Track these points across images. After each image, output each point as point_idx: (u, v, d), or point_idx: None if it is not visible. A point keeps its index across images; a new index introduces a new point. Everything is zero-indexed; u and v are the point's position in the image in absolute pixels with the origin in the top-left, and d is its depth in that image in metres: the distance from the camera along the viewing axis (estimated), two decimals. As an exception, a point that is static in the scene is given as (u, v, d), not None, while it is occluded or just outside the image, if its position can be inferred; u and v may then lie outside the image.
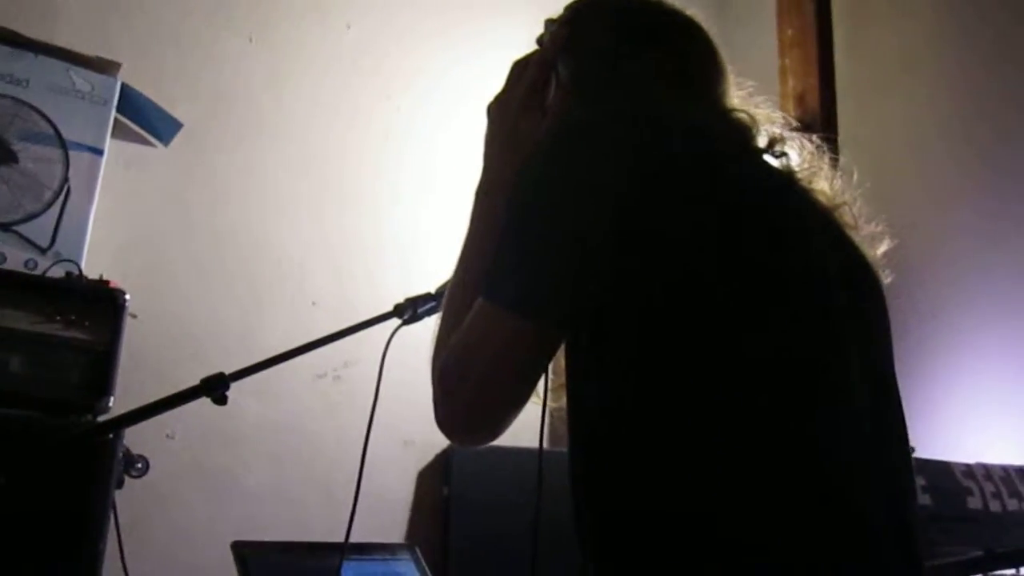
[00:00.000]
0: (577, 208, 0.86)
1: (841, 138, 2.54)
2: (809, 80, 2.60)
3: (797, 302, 0.88)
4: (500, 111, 1.08)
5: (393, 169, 2.33)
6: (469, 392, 0.89)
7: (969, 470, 1.45)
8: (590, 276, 0.85)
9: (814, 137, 1.06)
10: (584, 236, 0.85)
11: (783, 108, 2.62)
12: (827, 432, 0.85)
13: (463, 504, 2.10)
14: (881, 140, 2.52)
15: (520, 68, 1.09)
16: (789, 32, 2.67)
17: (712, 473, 0.80)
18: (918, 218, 2.26)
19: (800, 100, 2.60)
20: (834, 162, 1.07)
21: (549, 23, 1.11)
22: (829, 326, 0.90)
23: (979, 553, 1.39)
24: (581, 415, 0.91)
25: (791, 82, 2.63)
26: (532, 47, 1.12)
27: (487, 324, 0.88)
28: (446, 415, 0.92)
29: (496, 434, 0.93)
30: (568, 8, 1.12)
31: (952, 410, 2.12)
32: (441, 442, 2.20)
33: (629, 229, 0.84)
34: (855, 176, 1.08)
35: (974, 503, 1.40)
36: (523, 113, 1.06)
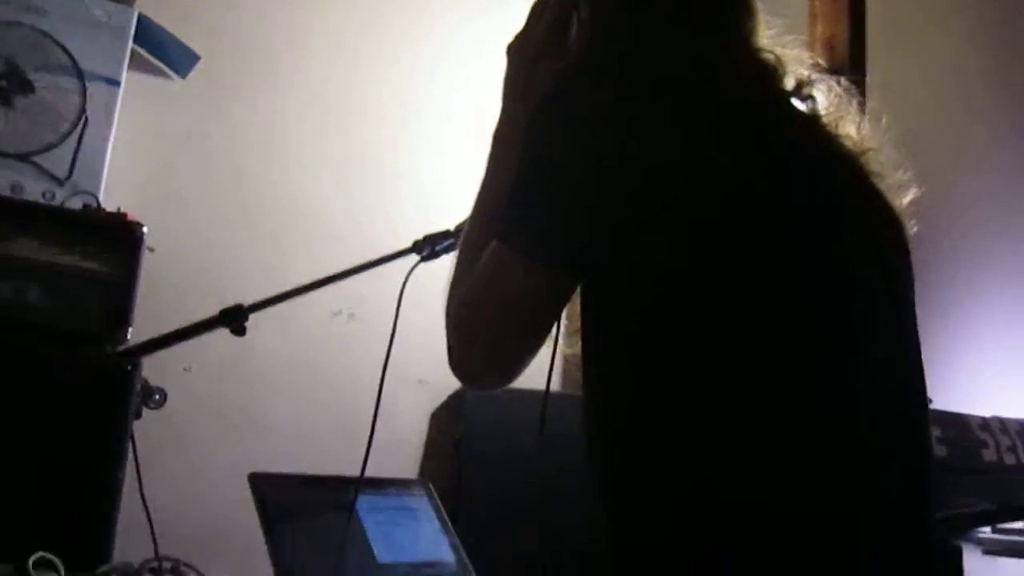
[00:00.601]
0: (589, 154, 0.84)
1: (869, 85, 2.48)
2: (838, 25, 2.53)
3: (815, 253, 0.86)
4: (519, 52, 1.06)
5: (414, 103, 2.31)
6: (482, 335, 0.89)
7: (985, 423, 1.44)
8: (603, 223, 0.84)
9: (843, 80, 1.03)
10: (597, 183, 0.83)
11: (811, 53, 2.56)
12: (844, 391, 0.83)
13: (475, 445, 2.12)
14: (912, 89, 2.46)
15: (540, 7, 1.06)
16: (818, -26, 2.60)
17: (726, 432, 0.80)
18: (944, 168, 2.22)
19: (829, 46, 2.54)
20: (862, 106, 1.04)
21: None
22: (849, 279, 0.88)
23: (992, 506, 1.40)
24: (594, 363, 0.90)
25: (820, 27, 2.56)
26: None
27: (500, 267, 0.87)
28: (459, 358, 0.91)
29: (510, 378, 0.92)
30: None
31: (970, 363, 2.10)
32: (454, 383, 2.19)
33: (641, 179, 0.82)
34: (883, 121, 1.05)
35: (989, 456, 1.40)
36: (543, 54, 1.03)
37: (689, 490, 0.80)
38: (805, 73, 1.00)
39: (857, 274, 0.89)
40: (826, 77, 1.02)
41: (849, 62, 2.51)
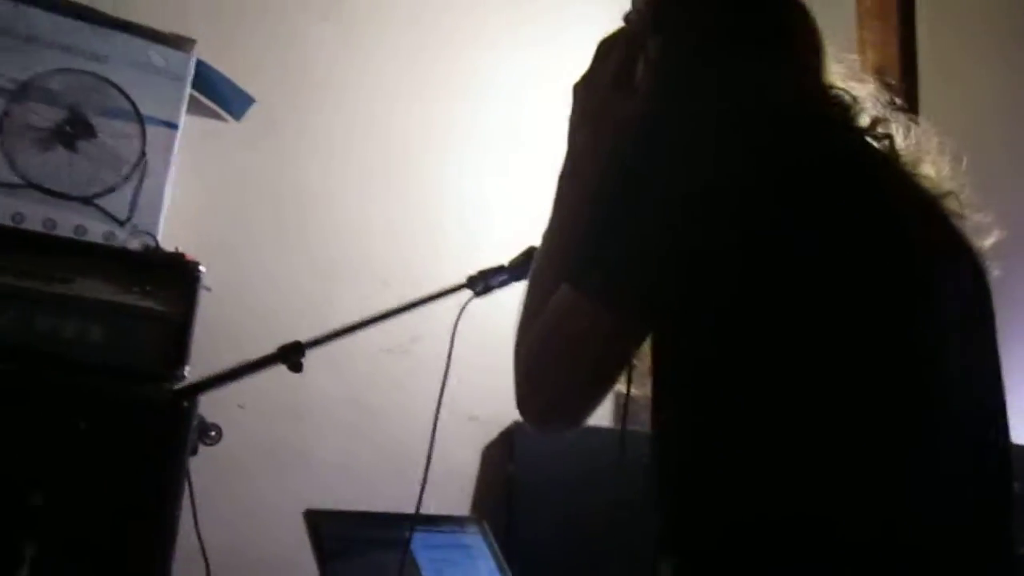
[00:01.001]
0: (669, 202, 0.83)
1: (923, 115, 2.44)
2: (889, 52, 2.50)
3: (892, 299, 0.84)
4: (587, 91, 1.05)
5: (460, 143, 2.33)
6: (551, 381, 0.89)
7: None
8: (678, 271, 0.83)
9: (920, 119, 1.02)
10: (675, 231, 0.83)
11: (859, 73, 2.53)
12: (915, 434, 0.82)
13: (527, 481, 2.10)
14: (966, 117, 2.42)
15: (607, 47, 1.06)
16: (868, 1, 2.58)
17: (800, 478, 0.78)
18: (1008, 200, 2.16)
19: (880, 74, 2.51)
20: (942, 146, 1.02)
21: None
22: (926, 324, 0.86)
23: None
24: (667, 403, 0.89)
25: (870, 55, 2.54)
26: (617, 24, 1.08)
27: (571, 312, 0.86)
28: (529, 403, 0.91)
29: (578, 422, 0.91)
30: None
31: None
32: (506, 418, 2.20)
33: (720, 227, 0.81)
34: (964, 162, 1.03)
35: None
36: (612, 93, 1.03)
37: (757, 528, 0.79)
38: (880, 112, 0.98)
39: (935, 318, 0.87)
40: (904, 115, 1.00)
41: (901, 90, 2.47)
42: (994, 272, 0.98)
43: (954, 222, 0.96)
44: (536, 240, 1.23)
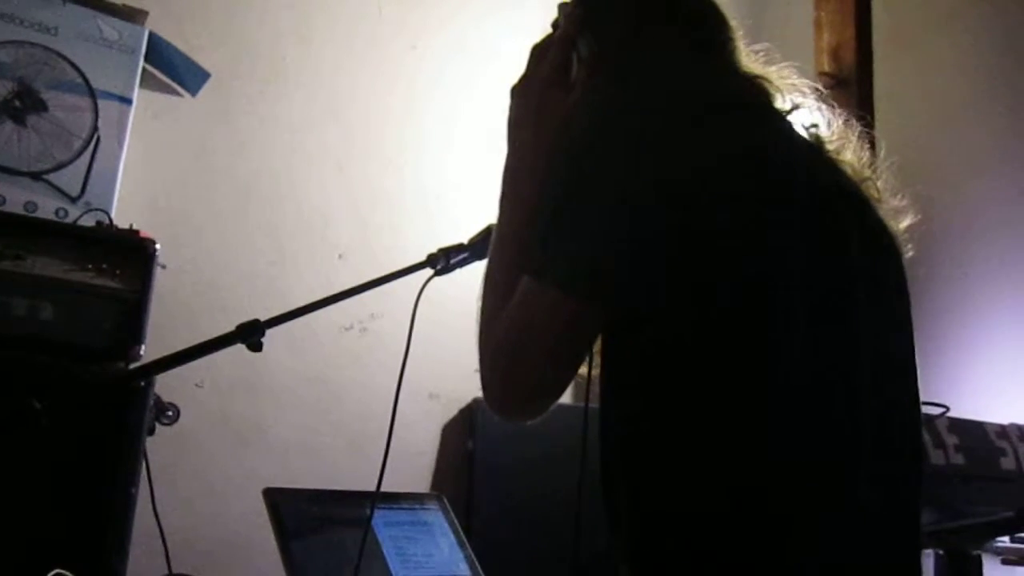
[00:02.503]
0: (624, 189, 0.85)
1: (876, 94, 2.48)
2: (845, 33, 2.53)
3: (830, 290, 0.89)
4: (524, 91, 1.09)
5: (418, 120, 2.32)
6: (520, 371, 0.90)
7: (1003, 431, 1.43)
8: (637, 257, 0.85)
9: (837, 109, 1.05)
10: (631, 218, 0.85)
11: (817, 62, 2.56)
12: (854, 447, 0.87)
13: (487, 458, 2.12)
14: (918, 96, 2.46)
15: (541, 50, 1.10)
16: (824, -18, 2.60)
17: (720, 472, 0.83)
18: (952, 175, 2.22)
19: (835, 54, 2.54)
20: (866, 125, 1.06)
21: (563, 6, 1.11)
22: (848, 308, 0.90)
23: (1010, 514, 1.39)
24: (613, 394, 0.92)
25: (826, 35, 2.56)
26: (546, 30, 1.13)
27: (538, 305, 0.88)
28: (498, 396, 0.93)
29: (544, 410, 0.94)
30: None
31: (986, 370, 2.09)
32: (466, 396, 2.21)
33: (660, 214, 0.84)
34: (883, 149, 1.07)
35: (1007, 464, 1.39)
36: (548, 92, 1.06)
37: (691, 533, 0.83)
38: (802, 99, 1.02)
39: (856, 300, 0.91)
40: (827, 106, 1.04)
41: (856, 70, 2.51)
42: (909, 253, 1.02)
43: (876, 208, 1.01)
44: (495, 218, 1.25)
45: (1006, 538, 1.64)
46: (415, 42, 2.34)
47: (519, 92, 1.09)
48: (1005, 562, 1.69)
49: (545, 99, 1.06)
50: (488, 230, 1.25)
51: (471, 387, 2.18)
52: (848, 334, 0.89)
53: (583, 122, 0.92)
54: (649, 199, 0.84)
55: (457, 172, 2.32)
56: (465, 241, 1.29)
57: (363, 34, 2.28)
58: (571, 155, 0.91)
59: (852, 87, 2.45)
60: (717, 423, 0.83)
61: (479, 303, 0.99)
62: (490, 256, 1.03)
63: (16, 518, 1.28)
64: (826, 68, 2.52)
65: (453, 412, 2.23)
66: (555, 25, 1.11)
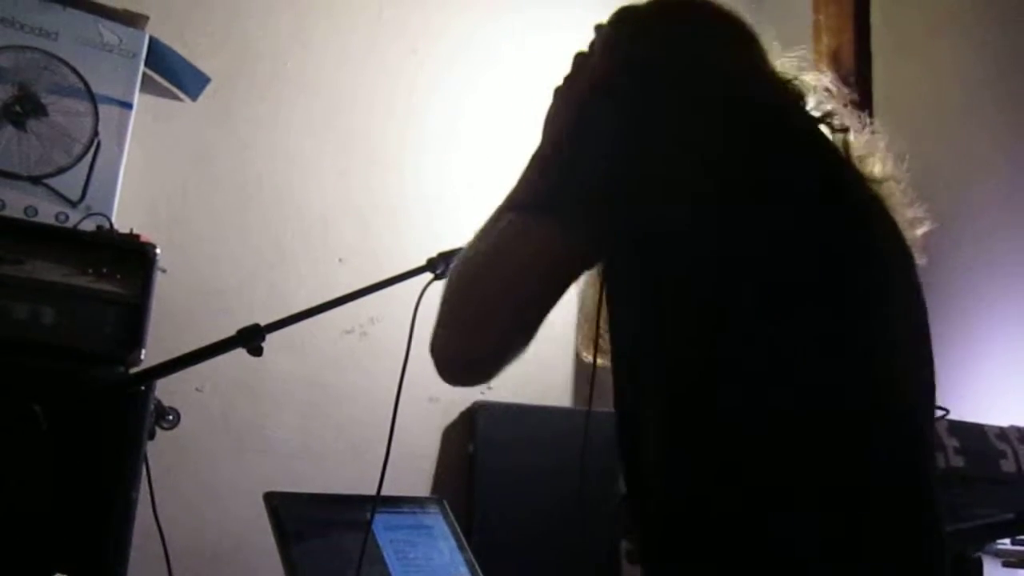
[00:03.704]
0: (626, 143, 0.85)
1: (875, 97, 2.48)
2: (844, 36, 2.54)
3: (838, 282, 0.87)
4: (567, 93, 1.10)
5: (419, 123, 2.32)
6: (478, 304, 0.85)
7: (1003, 433, 1.43)
8: (630, 198, 0.83)
9: (867, 117, 1.06)
10: (630, 165, 0.84)
11: (816, 66, 2.56)
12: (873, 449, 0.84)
13: (487, 461, 2.12)
14: (917, 100, 2.47)
15: (585, 56, 1.12)
16: (823, -14, 2.61)
17: (741, 457, 0.79)
18: (952, 177, 2.22)
19: (834, 58, 2.55)
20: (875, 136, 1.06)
21: (598, 28, 1.14)
22: (875, 310, 0.89)
23: (1011, 516, 1.39)
24: (624, 358, 0.90)
25: (825, 39, 2.57)
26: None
27: (515, 230, 0.85)
28: (452, 337, 0.86)
29: (498, 366, 0.87)
30: (617, 12, 1.13)
31: (987, 372, 2.09)
32: (466, 400, 2.21)
33: (669, 177, 0.83)
34: (906, 162, 1.08)
35: (1007, 466, 1.38)
36: (590, 97, 1.07)
37: (705, 511, 0.80)
38: (834, 106, 1.03)
39: (882, 307, 0.90)
40: (856, 113, 1.04)
41: (855, 73, 2.52)
42: (920, 261, 1.02)
43: (894, 216, 1.00)
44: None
45: (1007, 540, 1.64)
46: (415, 46, 2.34)
47: (562, 93, 1.11)
48: (1006, 564, 1.69)
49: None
50: (489, 234, 1.25)
51: (472, 391, 2.18)
52: (875, 338, 0.87)
53: (602, 83, 0.92)
54: (659, 178, 0.83)
55: (458, 176, 2.32)
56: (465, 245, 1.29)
57: (364, 38, 2.28)
58: (589, 120, 0.90)
59: (851, 91, 2.45)
60: (747, 417, 0.80)
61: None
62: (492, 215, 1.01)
63: (17, 522, 1.28)
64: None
65: (454, 416, 2.23)
66: (591, 46, 1.14)
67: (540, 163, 0.91)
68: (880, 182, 1.00)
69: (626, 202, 0.83)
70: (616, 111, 0.87)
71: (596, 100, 0.90)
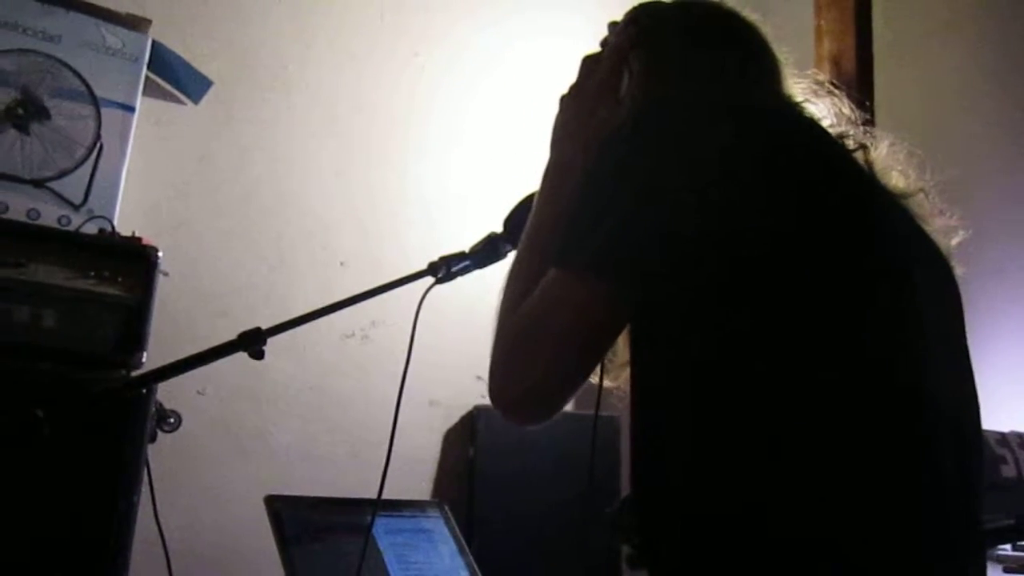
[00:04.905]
0: (660, 183, 0.85)
1: (877, 101, 2.48)
2: (845, 41, 2.54)
3: (877, 299, 0.86)
4: (575, 100, 1.10)
5: (420, 127, 2.32)
6: (533, 362, 0.88)
7: (1003, 438, 1.43)
8: (667, 247, 0.84)
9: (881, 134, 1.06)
10: (664, 212, 0.84)
11: (817, 70, 2.56)
12: (912, 456, 0.82)
13: (488, 465, 2.12)
14: (918, 103, 2.47)
15: (592, 61, 1.12)
16: (824, -10, 2.61)
17: (783, 463, 0.78)
18: (952, 180, 2.22)
19: (835, 62, 2.55)
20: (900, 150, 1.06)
21: (612, 25, 1.13)
22: (913, 325, 0.88)
23: (1011, 521, 1.38)
24: (646, 390, 0.89)
25: (826, 43, 2.57)
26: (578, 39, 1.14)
27: (561, 290, 0.87)
28: (510, 391, 0.90)
29: (556, 409, 0.91)
30: (632, 10, 1.14)
31: (987, 377, 2.09)
32: (467, 404, 2.22)
33: (710, 211, 0.83)
34: (928, 171, 1.08)
35: (1008, 471, 1.38)
36: (597, 103, 1.08)
37: (736, 518, 0.79)
38: (844, 126, 1.04)
39: (919, 318, 0.89)
40: (873, 131, 1.04)
41: (856, 78, 2.52)
42: (959, 271, 1.02)
43: (924, 226, 1.00)
44: (497, 226, 1.25)
45: (1007, 546, 1.64)
46: (417, 50, 2.35)
47: (569, 102, 1.11)
48: (1007, 570, 1.68)
49: (594, 110, 1.07)
50: (490, 238, 1.26)
51: (472, 394, 2.18)
52: (918, 362, 0.86)
53: (627, 122, 0.93)
54: (685, 206, 0.83)
55: (459, 180, 2.33)
56: (467, 249, 1.29)
57: (365, 42, 2.29)
58: (609, 152, 0.91)
59: (852, 95, 2.45)
60: (758, 440, 0.79)
61: (500, 297, 0.97)
62: (520, 249, 1.03)
63: (18, 526, 1.28)
64: (826, 77, 2.52)
65: (454, 419, 2.23)
66: (604, 44, 1.13)
67: (580, 213, 0.90)
68: (908, 196, 1.00)
69: (664, 252, 0.84)
70: (647, 159, 0.87)
71: (631, 145, 0.90)
